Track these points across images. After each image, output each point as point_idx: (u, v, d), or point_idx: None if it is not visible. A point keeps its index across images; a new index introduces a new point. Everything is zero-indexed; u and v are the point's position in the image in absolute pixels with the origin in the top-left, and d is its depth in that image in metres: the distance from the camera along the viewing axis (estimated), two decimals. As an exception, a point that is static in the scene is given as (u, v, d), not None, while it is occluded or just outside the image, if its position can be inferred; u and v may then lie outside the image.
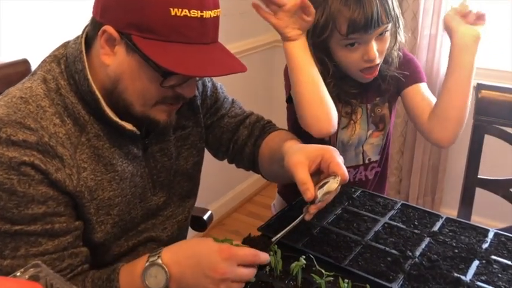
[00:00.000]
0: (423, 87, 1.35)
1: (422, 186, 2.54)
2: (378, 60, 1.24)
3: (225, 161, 1.30)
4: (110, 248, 1.01)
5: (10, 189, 0.82)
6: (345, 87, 1.32)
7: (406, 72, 1.33)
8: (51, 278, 0.70)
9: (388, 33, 1.24)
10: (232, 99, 1.27)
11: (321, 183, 0.93)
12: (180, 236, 1.17)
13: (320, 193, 0.92)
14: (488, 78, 2.13)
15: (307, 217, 0.95)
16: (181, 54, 0.84)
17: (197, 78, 1.01)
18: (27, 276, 0.68)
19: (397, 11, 1.24)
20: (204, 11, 0.85)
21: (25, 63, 1.22)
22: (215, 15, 0.89)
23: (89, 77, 0.89)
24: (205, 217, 1.51)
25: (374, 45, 1.20)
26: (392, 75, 1.32)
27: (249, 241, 0.91)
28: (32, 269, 0.69)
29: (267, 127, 1.23)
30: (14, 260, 0.84)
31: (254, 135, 1.21)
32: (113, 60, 0.88)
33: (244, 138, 1.21)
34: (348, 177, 0.94)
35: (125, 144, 0.97)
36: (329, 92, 1.21)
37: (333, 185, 0.91)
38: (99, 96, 0.90)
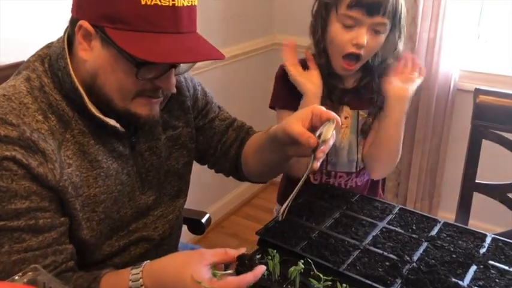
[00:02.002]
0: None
1: (420, 190, 2.54)
2: (363, 52, 1.26)
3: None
4: (100, 247, 1.00)
5: None
6: (335, 86, 1.35)
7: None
8: (49, 281, 0.70)
9: (383, 36, 1.27)
10: (219, 105, 1.30)
11: (319, 132, 0.94)
12: (173, 235, 1.18)
13: (321, 138, 0.92)
14: (486, 83, 2.15)
15: (315, 165, 0.94)
16: (154, 44, 0.84)
17: (181, 71, 0.99)
18: (25, 280, 0.68)
19: (403, 20, 1.28)
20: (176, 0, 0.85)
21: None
22: (189, 4, 0.89)
23: (72, 73, 0.90)
24: (203, 220, 1.52)
25: (366, 35, 1.24)
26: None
27: (242, 262, 0.89)
28: (30, 273, 0.69)
29: (251, 130, 1.27)
30: None
31: (240, 138, 1.24)
32: (90, 55, 0.89)
33: (232, 140, 1.24)
34: (340, 122, 0.98)
35: (110, 141, 0.98)
36: (323, 93, 1.30)
37: (329, 128, 0.93)
38: (83, 92, 0.91)
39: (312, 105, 1.00)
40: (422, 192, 2.55)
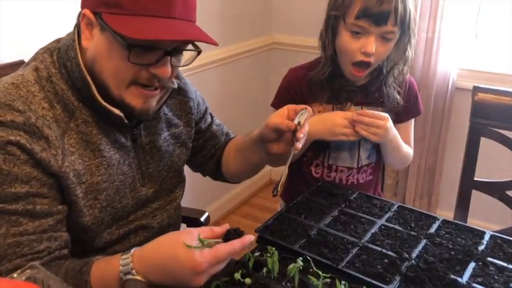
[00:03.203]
0: (412, 122, 1.47)
1: (418, 188, 2.54)
2: (373, 60, 1.28)
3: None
4: (101, 234, 1.02)
5: None
6: (342, 86, 1.37)
7: (415, 110, 1.45)
8: (48, 279, 0.70)
9: (392, 43, 1.29)
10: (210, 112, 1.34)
11: (295, 121, 1.04)
12: (172, 226, 1.19)
13: (297, 120, 1.03)
14: (485, 81, 2.15)
15: (298, 146, 1.03)
16: (144, 25, 0.86)
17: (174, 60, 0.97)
18: (24, 278, 0.68)
19: (412, 24, 1.29)
20: None
21: (22, 64, 1.22)
22: None
23: (81, 62, 0.93)
24: (202, 219, 1.51)
25: (374, 42, 1.25)
26: (395, 103, 1.38)
27: (228, 237, 0.89)
28: (29, 271, 0.69)
29: (231, 134, 1.35)
30: None
31: (225, 141, 1.31)
32: (91, 43, 0.92)
33: (221, 144, 1.31)
34: (312, 112, 1.08)
35: (112, 132, 0.99)
36: (326, 89, 1.34)
37: (303, 115, 1.05)
38: (90, 81, 0.93)
39: (287, 105, 1.08)
40: (421, 190, 2.55)
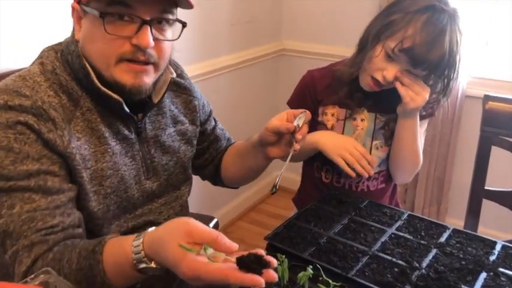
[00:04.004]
0: (425, 125, 1.46)
1: (428, 196, 2.53)
2: (386, 84, 1.29)
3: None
4: (108, 225, 1.03)
5: (7, 147, 0.88)
6: (356, 93, 1.37)
7: (430, 110, 1.42)
8: (60, 284, 0.70)
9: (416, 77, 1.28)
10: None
11: (294, 123, 1.07)
12: None
13: (296, 122, 1.07)
14: (495, 89, 2.14)
15: (297, 146, 1.07)
16: None
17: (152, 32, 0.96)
18: (37, 283, 0.68)
19: (451, 74, 1.28)
20: None
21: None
22: None
23: (80, 54, 0.97)
24: (211, 225, 1.52)
25: (397, 72, 1.26)
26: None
27: (242, 262, 0.70)
28: (41, 275, 0.70)
29: (232, 139, 1.37)
30: (9, 217, 0.87)
31: (226, 146, 1.33)
32: (80, 33, 0.97)
33: (223, 148, 1.32)
34: (310, 115, 1.10)
35: (115, 123, 1.01)
36: (343, 91, 1.37)
37: (302, 118, 1.09)
38: (89, 68, 0.96)
39: (286, 111, 1.12)
40: (430, 198, 2.54)
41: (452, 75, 1.28)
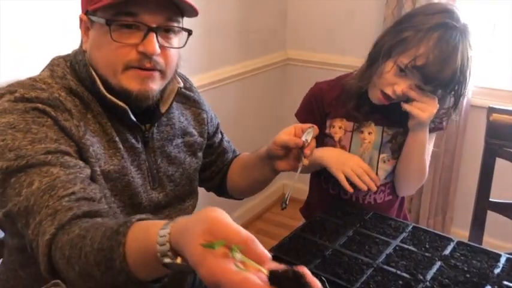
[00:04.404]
0: (433, 138, 1.46)
1: (433, 206, 2.53)
2: (396, 98, 1.30)
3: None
4: None
5: (25, 128, 0.88)
6: (364, 106, 1.38)
7: (439, 125, 1.42)
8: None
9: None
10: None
11: (303, 138, 1.08)
12: None
13: (304, 137, 1.08)
14: (500, 99, 2.15)
15: (306, 161, 1.08)
16: None
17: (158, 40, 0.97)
18: (47, 294, 0.69)
19: (460, 91, 1.29)
20: None
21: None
22: None
23: (87, 62, 0.99)
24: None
25: (408, 87, 1.27)
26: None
27: (275, 277, 0.54)
28: None
29: (237, 151, 1.37)
30: (29, 193, 0.84)
31: (231, 158, 1.34)
32: (88, 44, 1.00)
33: (229, 160, 1.33)
34: (318, 130, 1.11)
35: (123, 131, 1.03)
36: (350, 104, 1.38)
37: (310, 133, 1.09)
38: (95, 76, 0.98)
39: (294, 124, 1.12)
40: (435, 208, 2.53)
41: (462, 90, 1.29)
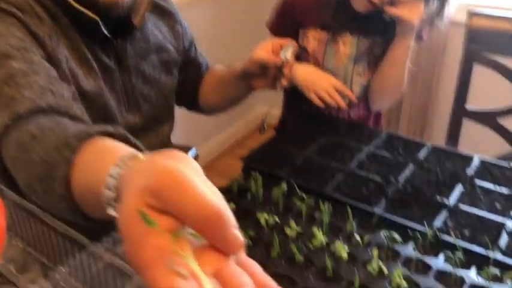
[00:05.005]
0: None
1: (411, 127, 2.52)
2: (380, 3, 1.22)
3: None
4: None
5: None
6: (343, 14, 1.30)
7: (419, 33, 1.33)
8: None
9: None
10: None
11: (281, 55, 1.03)
12: None
13: (283, 55, 1.02)
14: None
15: (285, 81, 1.04)
16: None
17: None
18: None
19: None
20: None
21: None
22: None
23: None
24: (189, 155, 1.49)
25: None
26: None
27: None
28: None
29: (209, 65, 1.30)
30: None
31: (205, 72, 1.27)
32: None
33: (203, 74, 1.27)
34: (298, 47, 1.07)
35: (94, 48, 0.93)
36: (326, 13, 1.30)
37: (289, 50, 1.03)
38: None
39: (271, 38, 1.08)
40: (413, 130, 2.53)
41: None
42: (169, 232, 0.34)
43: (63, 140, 0.58)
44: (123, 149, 0.51)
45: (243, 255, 0.36)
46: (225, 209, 0.35)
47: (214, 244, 0.35)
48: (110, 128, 0.58)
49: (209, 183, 0.37)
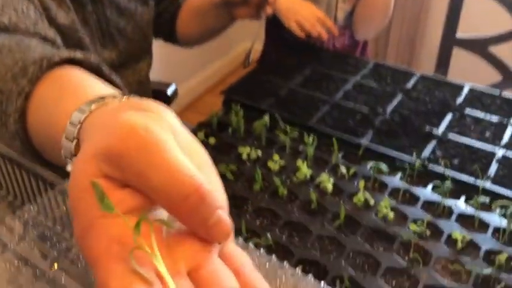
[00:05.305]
0: None
1: (398, 59, 2.47)
2: None
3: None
4: None
5: None
6: None
7: None
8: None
9: None
10: None
11: None
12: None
13: None
14: None
15: (269, 10, 1.02)
16: None
17: None
18: None
19: None
20: None
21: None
22: None
23: None
24: (168, 92, 1.42)
25: None
26: None
27: None
28: None
29: None
30: None
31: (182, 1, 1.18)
32: None
33: (180, 3, 1.17)
34: None
35: None
36: None
37: None
38: None
39: None
40: (401, 59, 2.47)
41: None
42: (131, 215, 0.25)
43: (21, 66, 0.47)
44: (92, 86, 0.40)
45: (230, 245, 0.28)
46: (210, 183, 0.26)
47: (194, 230, 0.26)
48: (78, 55, 0.47)
49: (193, 148, 0.28)
